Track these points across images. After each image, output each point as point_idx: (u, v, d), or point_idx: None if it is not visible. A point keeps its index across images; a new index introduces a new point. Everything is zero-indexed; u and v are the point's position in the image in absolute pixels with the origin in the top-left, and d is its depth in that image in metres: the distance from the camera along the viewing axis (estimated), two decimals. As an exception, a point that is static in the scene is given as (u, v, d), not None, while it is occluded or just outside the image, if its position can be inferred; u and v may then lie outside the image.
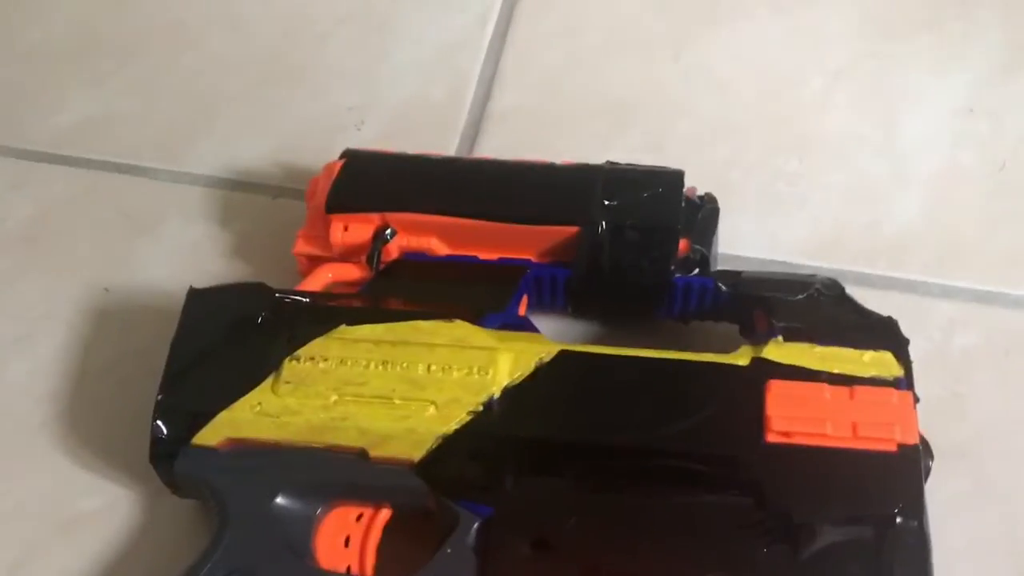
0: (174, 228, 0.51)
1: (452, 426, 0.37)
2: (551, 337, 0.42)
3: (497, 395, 0.38)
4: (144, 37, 0.58)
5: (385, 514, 0.38)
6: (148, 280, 0.49)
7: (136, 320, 0.48)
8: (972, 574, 0.40)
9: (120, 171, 0.53)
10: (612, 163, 0.44)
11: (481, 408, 0.37)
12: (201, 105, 0.56)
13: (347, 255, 0.44)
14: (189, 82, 0.57)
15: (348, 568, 0.37)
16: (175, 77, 0.57)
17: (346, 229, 0.43)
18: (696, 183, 0.44)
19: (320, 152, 0.52)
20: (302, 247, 0.45)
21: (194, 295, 0.42)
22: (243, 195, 0.52)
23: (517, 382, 0.38)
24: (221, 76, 0.57)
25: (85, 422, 0.45)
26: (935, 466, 0.38)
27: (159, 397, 0.39)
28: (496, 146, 0.53)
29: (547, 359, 0.39)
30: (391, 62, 0.57)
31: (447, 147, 0.53)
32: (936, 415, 0.41)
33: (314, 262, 0.45)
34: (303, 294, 0.42)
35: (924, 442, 0.37)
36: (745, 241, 0.49)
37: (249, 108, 0.55)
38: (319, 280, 0.43)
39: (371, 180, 0.44)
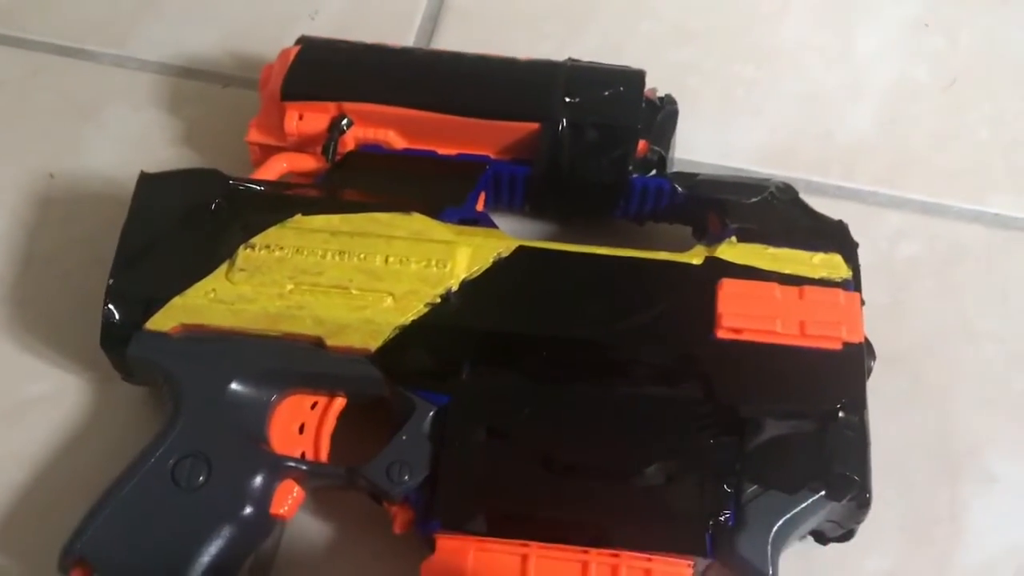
0: (121, 114, 0.50)
1: (409, 317, 0.37)
2: (508, 234, 0.42)
3: (455, 288, 0.38)
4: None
5: (340, 402, 0.38)
6: (94, 167, 0.48)
7: (82, 207, 0.47)
8: (906, 469, 0.41)
9: (63, 54, 0.51)
10: (574, 60, 0.43)
11: (439, 300, 0.38)
12: (147, -13, 0.54)
13: (302, 145, 0.43)
14: (133, -38, 0.54)
15: (302, 454, 0.38)
16: (119, -44, 0.55)
17: (301, 118, 0.42)
18: (654, 87, 0.44)
19: (272, 41, 0.51)
20: (255, 136, 0.44)
21: (145, 180, 0.41)
22: (192, 83, 0.51)
23: (475, 276, 0.38)
24: (168, -42, 0.55)
25: (31, 307, 0.45)
26: (875, 368, 0.40)
27: (110, 281, 0.38)
28: (453, 42, 0.52)
29: (505, 254, 0.39)
30: (347, -49, 0.55)
31: (403, 41, 0.52)
32: (878, 320, 0.42)
33: (267, 151, 0.44)
34: (258, 182, 0.41)
35: (867, 342, 0.38)
36: (701, 147, 0.49)
37: (198, -7, 0.54)
38: (273, 169, 0.43)
39: (328, 68, 0.43)
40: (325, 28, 0.52)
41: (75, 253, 0.46)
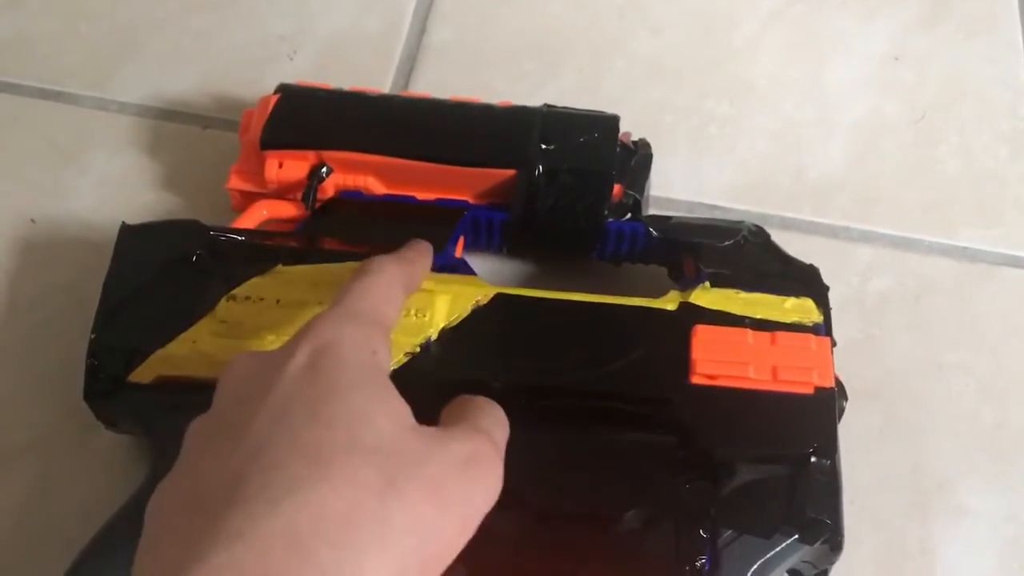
0: (101, 158, 0.50)
1: (390, 367, 0.38)
2: (486, 276, 0.43)
3: (434, 337, 0.38)
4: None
5: (322, 451, 0.39)
6: (75, 211, 0.48)
7: (64, 252, 0.47)
8: (879, 504, 0.42)
9: (44, 97, 0.52)
10: (549, 106, 0.44)
11: (419, 350, 0.38)
12: (126, 30, 0.54)
13: (282, 192, 0.43)
14: (112, 4, 0.55)
15: (284, 503, 0.38)
16: (98, -1, 0.55)
17: (281, 166, 0.43)
18: (629, 124, 0.45)
19: (251, 82, 0.52)
20: (235, 182, 0.44)
21: (127, 231, 0.41)
22: (172, 125, 0.51)
23: (454, 324, 0.39)
24: (146, -1, 0.55)
25: (13, 353, 0.45)
26: (848, 404, 0.40)
27: (93, 335, 0.39)
28: (431, 81, 0.53)
29: (484, 302, 0.39)
30: (324, -10, 0.56)
31: (382, 81, 0.53)
32: (851, 356, 0.43)
33: (247, 197, 0.44)
34: (238, 232, 0.42)
35: (839, 384, 0.39)
36: (675, 183, 0.50)
37: (176, 34, 0.54)
38: (254, 217, 0.43)
39: (307, 117, 0.43)
40: (304, 68, 0.53)
41: (56, 298, 0.46)
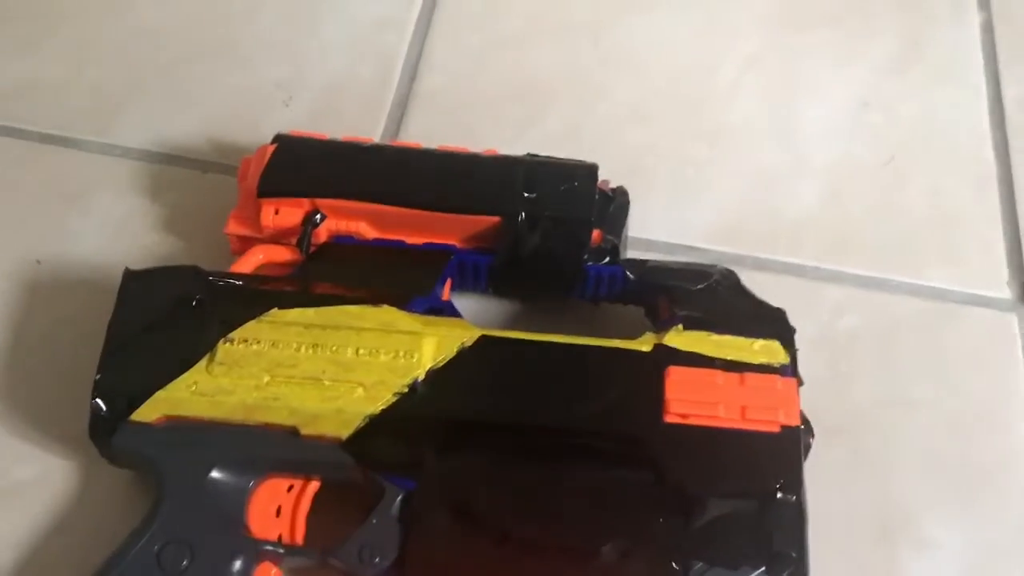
0: (104, 201, 0.52)
1: (379, 406, 0.40)
2: (471, 315, 0.45)
3: (421, 377, 0.40)
4: (69, 4, 0.58)
5: (315, 486, 0.41)
6: (79, 253, 0.50)
7: (68, 293, 0.49)
8: (846, 537, 0.44)
9: (48, 141, 0.54)
10: (532, 155, 0.46)
11: (406, 390, 0.40)
12: (129, 76, 0.56)
13: (278, 237, 0.46)
14: (116, 52, 0.57)
15: (279, 536, 0.40)
16: (102, 47, 0.57)
17: (277, 212, 0.45)
18: (611, 168, 0.47)
19: (249, 128, 0.54)
20: (234, 227, 0.46)
21: (130, 277, 0.43)
22: (173, 169, 0.53)
23: (440, 365, 0.41)
24: (149, 47, 0.57)
25: (19, 393, 0.46)
26: (816, 439, 0.42)
27: (97, 376, 0.41)
28: (421, 127, 0.55)
29: (469, 343, 0.41)
30: (319, 38, 0.58)
31: (374, 126, 0.55)
32: (820, 393, 0.45)
33: (245, 242, 0.46)
34: (236, 276, 0.44)
35: (805, 422, 0.41)
36: (654, 225, 0.52)
37: (177, 81, 0.56)
38: (251, 262, 0.45)
39: (302, 166, 0.46)
40: (299, 114, 0.55)
41: (61, 337, 0.48)
